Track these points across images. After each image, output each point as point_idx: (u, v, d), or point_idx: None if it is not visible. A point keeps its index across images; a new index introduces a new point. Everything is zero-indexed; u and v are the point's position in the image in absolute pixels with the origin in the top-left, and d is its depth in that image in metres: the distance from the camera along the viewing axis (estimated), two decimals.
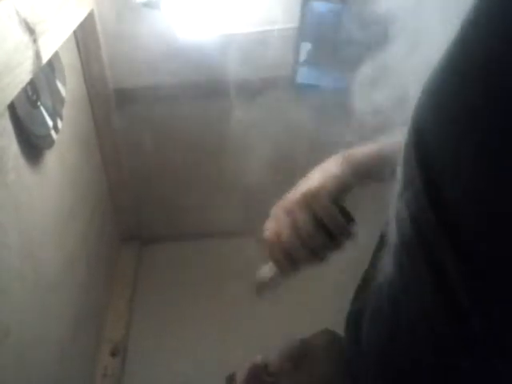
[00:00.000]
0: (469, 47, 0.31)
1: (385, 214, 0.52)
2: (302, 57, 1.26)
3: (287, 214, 0.63)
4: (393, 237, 0.42)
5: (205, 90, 1.33)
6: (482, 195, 0.30)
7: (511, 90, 0.27)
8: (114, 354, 1.29)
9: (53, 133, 0.89)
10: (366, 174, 0.64)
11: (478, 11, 0.30)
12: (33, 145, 0.84)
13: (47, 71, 0.90)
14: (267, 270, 0.68)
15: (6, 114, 0.76)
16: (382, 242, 0.54)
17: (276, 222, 0.65)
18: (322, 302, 1.26)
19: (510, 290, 0.30)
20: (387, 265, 0.45)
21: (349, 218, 0.63)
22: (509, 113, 0.28)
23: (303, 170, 0.67)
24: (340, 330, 0.61)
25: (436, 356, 0.37)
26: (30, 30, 0.75)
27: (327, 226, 0.61)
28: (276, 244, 0.64)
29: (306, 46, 1.24)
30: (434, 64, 0.33)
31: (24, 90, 0.78)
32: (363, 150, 0.66)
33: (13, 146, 0.78)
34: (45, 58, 0.77)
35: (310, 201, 0.62)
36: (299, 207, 0.63)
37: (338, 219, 0.61)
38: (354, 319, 0.54)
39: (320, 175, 0.64)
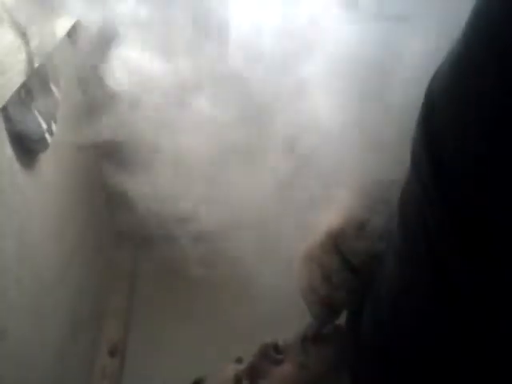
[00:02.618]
0: (481, 30, 0.31)
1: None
2: None
3: (314, 261, 0.63)
4: (394, 227, 0.42)
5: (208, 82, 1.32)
6: (486, 178, 0.30)
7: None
8: (112, 354, 1.29)
9: (47, 136, 0.89)
10: (384, 196, 0.64)
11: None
12: (27, 148, 0.83)
13: (41, 73, 0.89)
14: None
15: None
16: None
17: (307, 276, 0.64)
18: None
19: (506, 274, 0.30)
20: (387, 258, 0.45)
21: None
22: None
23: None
24: None
25: (435, 348, 0.37)
26: (22, 33, 0.75)
27: (356, 266, 0.61)
28: (311, 292, 0.64)
29: None
30: (450, 46, 0.33)
31: (17, 92, 0.78)
32: None
33: (6, 150, 0.78)
34: (38, 61, 0.77)
35: (334, 241, 0.61)
36: (325, 251, 0.62)
37: (365, 258, 0.60)
38: (355, 313, 0.54)
39: (341, 211, 0.64)
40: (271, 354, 0.66)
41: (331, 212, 0.65)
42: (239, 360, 0.71)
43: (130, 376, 1.28)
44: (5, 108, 0.75)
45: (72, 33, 1.14)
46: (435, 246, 0.34)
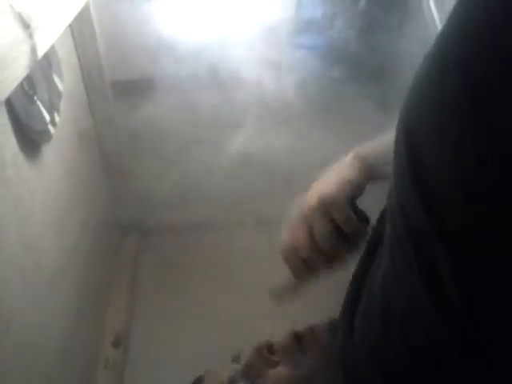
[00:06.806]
0: (450, 45, 0.32)
1: (378, 207, 0.53)
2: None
3: (304, 220, 0.63)
4: (387, 227, 0.42)
5: (204, 81, 1.33)
6: (466, 175, 0.30)
7: (491, 85, 0.28)
8: (115, 344, 1.30)
9: (50, 127, 0.89)
10: (379, 173, 0.65)
11: (458, 12, 0.31)
12: (31, 139, 0.84)
13: (44, 65, 0.90)
14: (285, 278, 0.69)
15: (3, 110, 0.76)
16: (376, 232, 0.54)
17: (292, 230, 0.65)
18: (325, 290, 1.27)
19: (495, 279, 0.31)
20: (381, 255, 0.45)
21: (363, 219, 0.63)
22: (489, 106, 0.28)
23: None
24: None
25: (426, 348, 0.37)
26: (25, 25, 0.75)
27: (345, 231, 0.62)
28: (293, 251, 0.64)
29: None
30: (420, 61, 0.34)
31: (20, 84, 0.78)
32: (375, 148, 0.66)
33: (10, 141, 0.78)
34: (41, 53, 0.77)
35: (327, 207, 0.62)
36: (316, 213, 0.63)
37: (355, 224, 0.61)
38: (349, 309, 0.54)
39: (335, 180, 0.64)
40: (266, 355, 0.66)
41: (327, 177, 0.66)
42: (236, 358, 0.70)
43: (134, 367, 1.29)
44: (9, 100, 0.75)
45: (74, 24, 1.14)
46: (419, 242, 0.35)
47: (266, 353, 0.66)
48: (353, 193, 0.63)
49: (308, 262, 0.64)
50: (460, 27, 0.31)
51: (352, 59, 1.22)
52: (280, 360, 0.65)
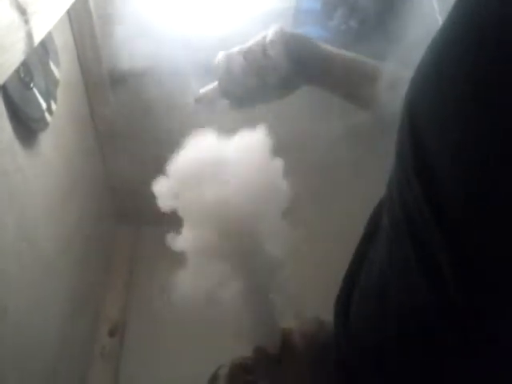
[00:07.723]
0: (451, 43, 0.31)
1: (374, 199, 0.53)
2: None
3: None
4: (384, 220, 0.42)
5: (202, 71, 1.32)
6: (468, 174, 0.30)
7: (492, 84, 0.28)
8: (112, 333, 1.30)
9: (47, 115, 0.88)
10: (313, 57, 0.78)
11: (458, 9, 0.31)
12: (27, 127, 0.83)
13: (40, 52, 0.89)
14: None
15: None
16: (371, 224, 0.54)
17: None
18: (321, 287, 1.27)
19: (495, 279, 0.31)
20: (378, 247, 0.45)
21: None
22: (490, 106, 0.28)
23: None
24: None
25: (425, 346, 0.37)
26: (22, 11, 0.74)
27: (268, 52, 0.75)
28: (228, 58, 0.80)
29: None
30: (428, 44, 0.34)
31: (17, 71, 0.77)
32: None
33: (6, 129, 0.78)
34: (37, 39, 0.76)
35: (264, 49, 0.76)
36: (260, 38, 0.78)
37: (278, 49, 0.74)
38: (344, 302, 0.54)
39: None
40: (241, 376, 0.64)
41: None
42: (214, 378, 0.67)
43: (130, 356, 1.29)
44: (4, 87, 0.75)
45: (72, 11, 1.13)
46: (416, 231, 0.34)
47: (242, 373, 0.64)
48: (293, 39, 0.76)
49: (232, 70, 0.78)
50: (460, 25, 0.31)
51: (352, 51, 1.21)
52: (257, 377, 0.63)
